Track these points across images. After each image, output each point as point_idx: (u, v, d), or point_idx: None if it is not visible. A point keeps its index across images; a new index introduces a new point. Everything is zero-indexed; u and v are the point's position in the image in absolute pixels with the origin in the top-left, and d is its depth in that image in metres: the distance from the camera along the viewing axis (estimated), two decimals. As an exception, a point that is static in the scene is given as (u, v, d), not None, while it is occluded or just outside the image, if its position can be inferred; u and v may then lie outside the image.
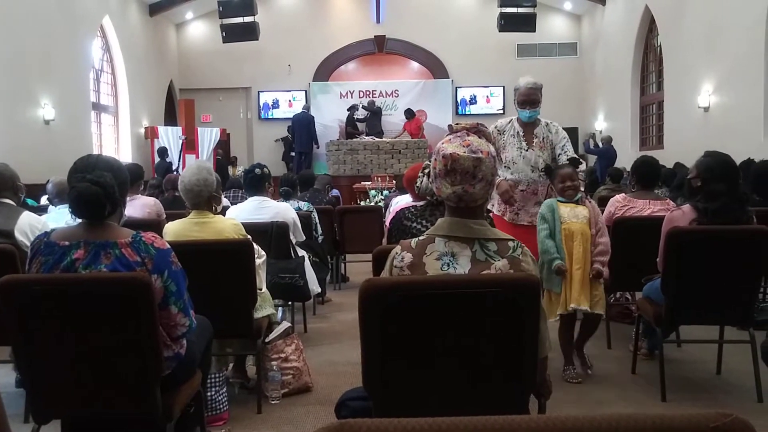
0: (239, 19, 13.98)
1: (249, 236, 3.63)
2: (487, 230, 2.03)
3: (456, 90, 16.97)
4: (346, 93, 16.96)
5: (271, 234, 4.57)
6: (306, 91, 16.92)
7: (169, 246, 2.41)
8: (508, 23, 14.03)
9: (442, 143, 2.04)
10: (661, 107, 12.28)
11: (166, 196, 6.93)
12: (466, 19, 16.48)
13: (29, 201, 6.72)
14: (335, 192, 9.65)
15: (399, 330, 1.91)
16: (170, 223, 3.63)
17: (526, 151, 4.50)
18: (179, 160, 13.39)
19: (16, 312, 2.29)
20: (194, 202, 3.51)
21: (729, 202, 3.45)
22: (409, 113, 15.90)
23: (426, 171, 3.27)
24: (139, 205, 5.37)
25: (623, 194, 4.66)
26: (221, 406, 3.37)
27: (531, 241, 3.72)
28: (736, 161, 3.78)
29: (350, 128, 16.19)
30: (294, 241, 4.90)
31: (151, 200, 5.68)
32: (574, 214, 3.87)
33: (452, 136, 2.05)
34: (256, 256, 3.58)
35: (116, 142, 13.68)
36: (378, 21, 16.66)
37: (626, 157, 11.86)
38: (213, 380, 3.33)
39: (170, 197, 6.71)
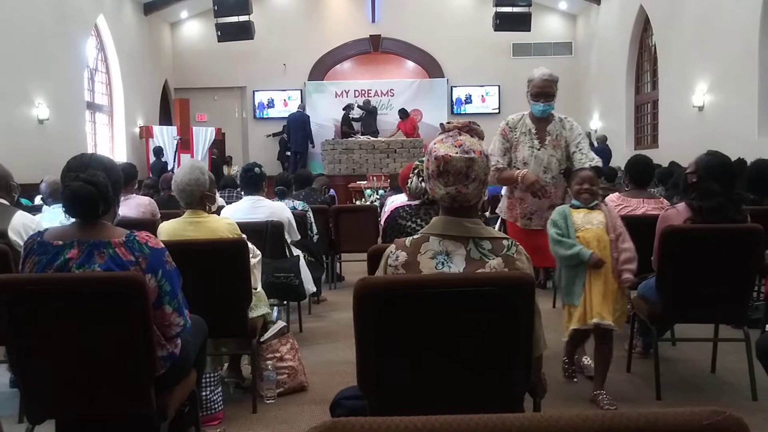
0: (234, 19, 13.95)
1: (244, 235, 3.63)
2: (481, 229, 2.02)
3: (451, 89, 16.98)
4: (342, 92, 16.95)
5: (266, 233, 4.56)
6: (301, 91, 16.91)
7: (163, 245, 2.40)
8: (503, 22, 14.05)
9: (434, 143, 2.04)
10: (656, 106, 12.31)
11: (162, 195, 6.92)
12: (461, 19, 16.49)
13: (23, 201, 6.69)
14: (331, 192, 9.65)
15: (394, 329, 1.91)
16: (164, 222, 3.62)
17: (539, 150, 4.14)
18: (174, 160, 13.36)
19: (9, 312, 2.28)
20: (187, 201, 3.50)
21: (723, 202, 3.46)
22: (403, 113, 15.90)
23: (416, 171, 3.27)
24: (133, 205, 5.36)
25: (617, 193, 4.67)
26: (216, 406, 3.37)
27: (546, 247, 3.66)
28: (732, 160, 3.79)
29: (346, 127, 16.18)
30: (289, 241, 4.90)
31: (146, 200, 5.67)
32: (587, 221, 3.57)
33: (444, 135, 2.04)
34: (251, 255, 3.58)
35: (111, 142, 13.65)
36: (373, 20, 16.65)
37: (621, 157, 11.88)
38: (208, 380, 3.33)
39: (166, 196, 6.69)
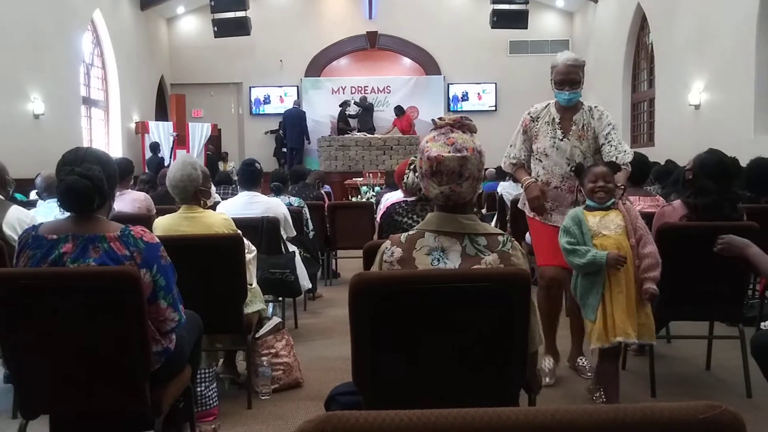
0: (231, 14, 13.92)
1: (239, 231, 3.62)
2: (476, 225, 2.02)
3: (448, 86, 16.95)
4: (338, 89, 16.92)
5: (261, 229, 4.55)
6: (298, 87, 16.87)
7: (158, 240, 2.40)
8: (500, 20, 14.05)
9: (426, 142, 2.02)
10: (653, 104, 12.32)
11: (159, 190, 6.90)
12: (458, 16, 16.47)
13: (18, 196, 6.67)
14: (327, 188, 9.62)
15: (389, 325, 1.90)
16: (160, 217, 3.61)
17: (561, 141, 3.78)
18: (171, 156, 13.34)
19: (3, 306, 2.27)
20: (181, 197, 3.50)
21: (718, 200, 3.46)
22: (399, 110, 15.88)
23: (412, 167, 3.26)
24: (129, 200, 5.35)
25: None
26: (211, 402, 3.36)
27: None
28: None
29: (342, 124, 16.17)
30: (285, 237, 4.89)
31: (141, 195, 5.66)
32: (604, 225, 3.18)
33: (436, 133, 2.03)
34: (246, 251, 3.57)
35: (106, 137, 13.60)
36: (370, 17, 16.62)
37: (617, 154, 11.86)
38: (203, 375, 3.32)
39: (163, 192, 6.67)
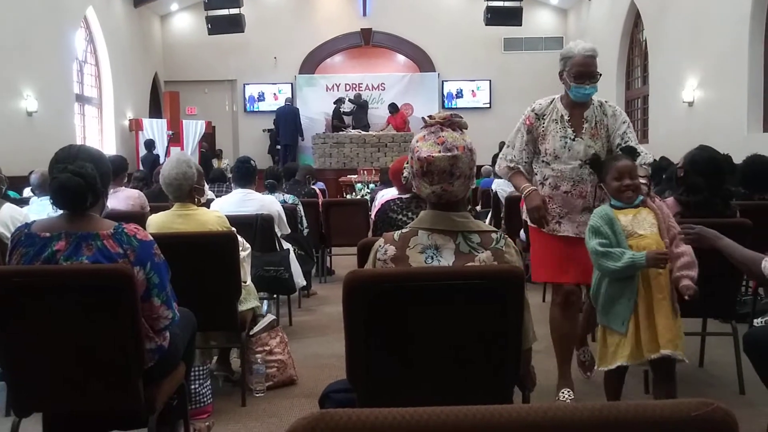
0: (225, 11, 13.88)
1: (233, 229, 3.61)
2: (470, 222, 2.02)
3: (442, 83, 16.95)
4: (333, 86, 16.89)
5: (255, 227, 4.55)
6: (292, 84, 16.84)
7: (151, 238, 2.39)
8: (494, 17, 14.05)
9: (417, 141, 2.02)
10: (646, 102, 12.34)
11: (153, 188, 6.88)
12: (452, 13, 16.46)
13: (11, 193, 6.65)
14: (320, 185, 9.59)
15: (383, 322, 1.91)
16: (153, 215, 3.61)
17: (573, 140, 3.38)
18: (165, 154, 13.31)
19: (-5, 304, 2.26)
20: (176, 195, 3.49)
21: (709, 197, 3.47)
22: (393, 108, 15.86)
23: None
24: (122, 197, 5.34)
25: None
26: (205, 399, 3.36)
27: (581, 258, 3.08)
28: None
29: (336, 121, 16.15)
30: (279, 234, 4.88)
31: (135, 192, 5.64)
32: (638, 224, 2.81)
33: (426, 132, 2.02)
34: (240, 248, 3.57)
35: (100, 135, 13.55)
36: (364, 14, 16.60)
37: (611, 152, 11.90)
38: (197, 373, 3.32)
39: (157, 189, 6.65)
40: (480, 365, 1.97)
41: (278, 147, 15.72)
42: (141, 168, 11.79)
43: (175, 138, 13.94)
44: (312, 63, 16.97)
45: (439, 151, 1.94)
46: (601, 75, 3.39)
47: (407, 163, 3.36)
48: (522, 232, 6.22)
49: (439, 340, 1.94)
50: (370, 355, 1.93)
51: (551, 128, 3.43)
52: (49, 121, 10.63)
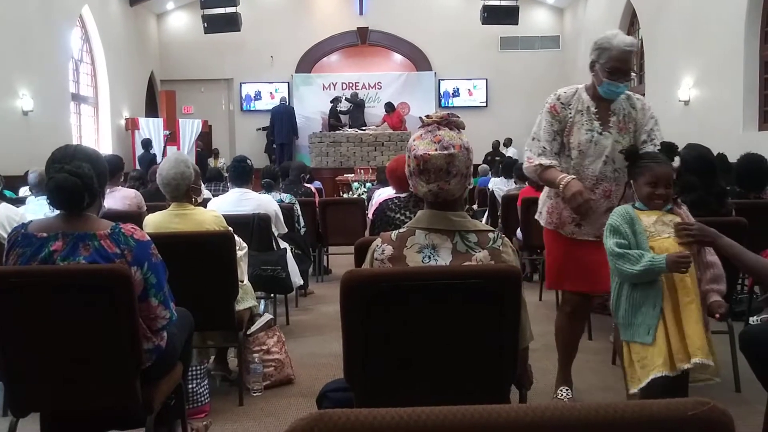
0: (221, 10, 13.88)
1: (230, 228, 3.61)
2: (467, 222, 2.03)
3: (439, 82, 16.97)
4: (329, 85, 16.89)
5: (252, 226, 4.55)
6: (288, 83, 16.84)
7: (149, 238, 2.39)
8: (491, 16, 14.08)
9: (414, 140, 2.03)
10: (643, 100, 12.35)
11: (149, 187, 6.87)
12: (449, 12, 16.47)
13: (7, 192, 6.64)
14: (317, 184, 9.58)
15: (380, 322, 1.91)
16: (150, 215, 3.60)
17: (600, 134, 3.12)
18: (162, 153, 13.29)
19: (-7, 304, 2.26)
20: (173, 195, 3.49)
21: (704, 195, 3.47)
22: (389, 107, 15.86)
23: None
24: (119, 197, 5.33)
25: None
26: (202, 399, 3.36)
27: (600, 265, 2.87)
28: (715, 154, 3.80)
29: (333, 120, 16.15)
30: (276, 233, 4.88)
31: (132, 192, 5.64)
32: (661, 227, 2.62)
33: (423, 131, 2.03)
34: (237, 248, 3.56)
35: (96, 134, 13.54)
36: (361, 12, 16.60)
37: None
38: (194, 373, 3.32)
39: (153, 189, 6.64)
40: (477, 364, 1.98)
41: (275, 146, 15.71)
42: (138, 167, 11.77)
43: (172, 137, 13.93)
44: (308, 62, 16.96)
45: (436, 150, 1.95)
46: (635, 74, 3.18)
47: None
48: (519, 231, 6.24)
49: (436, 340, 1.95)
50: (368, 355, 1.94)
51: (577, 120, 3.15)
52: (45, 120, 10.61)
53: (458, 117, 2.06)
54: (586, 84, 3.23)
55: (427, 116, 2.06)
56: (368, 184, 11.32)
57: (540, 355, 3.97)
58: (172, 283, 2.49)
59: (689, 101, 10.10)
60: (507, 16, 14.12)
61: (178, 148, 13.72)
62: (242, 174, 4.90)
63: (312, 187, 8.08)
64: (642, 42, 12.22)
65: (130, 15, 14.84)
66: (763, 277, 2.64)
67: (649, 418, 0.81)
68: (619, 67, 3.05)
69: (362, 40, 16.85)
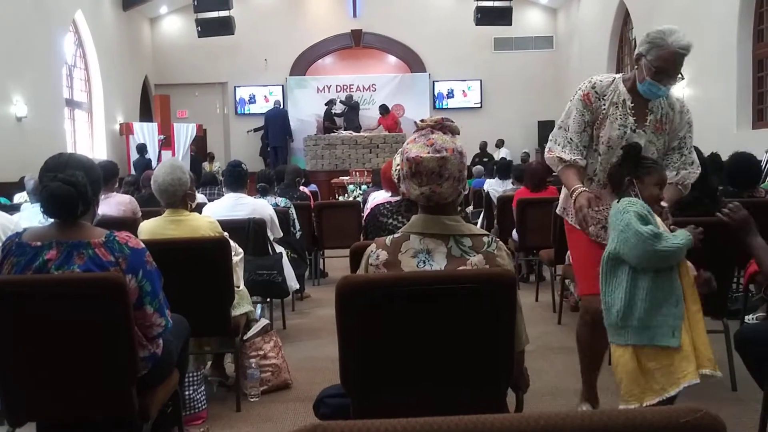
0: (214, 14, 13.88)
1: (226, 234, 3.61)
2: (461, 226, 2.03)
3: (433, 84, 16.99)
4: (323, 87, 16.90)
5: (248, 231, 4.54)
6: (283, 86, 16.84)
7: (143, 245, 2.39)
8: (484, 17, 14.11)
9: (407, 143, 2.05)
10: (636, 100, 12.39)
11: (143, 193, 6.86)
12: (442, 13, 16.50)
13: (1, 199, 6.63)
14: (312, 187, 9.58)
15: (376, 328, 1.91)
16: (145, 221, 3.60)
17: (633, 131, 2.90)
18: (157, 158, 13.28)
19: (-13, 314, 2.25)
20: (170, 201, 3.48)
21: (698, 195, 3.48)
22: (384, 109, 15.86)
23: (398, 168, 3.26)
24: (113, 203, 5.32)
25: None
26: (199, 405, 3.36)
27: None
28: (708, 153, 3.81)
29: (328, 123, 16.15)
30: (272, 238, 4.88)
31: (126, 198, 5.63)
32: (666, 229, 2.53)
33: (417, 134, 2.04)
34: (233, 253, 3.56)
35: (90, 139, 13.51)
36: (354, 15, 16.62)
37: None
38: (191, 379, 3.31)
39: (147, 194, 6.64)
40: (473, 368, 1.98)
41: (269, 149, 15.72)
42: (133, 172, 11.76)
43: (167, 142, 13.91)
44: (303, 65, 16.97)
45: (428, 153, 1.96)
46: (683, 78, 2.91)
47: (397, 165, 3.37)
48: (514, 232, 6.25)
49: (432, 344, 1.95)
50: (364, 361, 1.94)
51: (611, 113, 2.93)
52: (39, 126, 10.59)
53: (453, 122, 2.07)
54: (624, 74, 3.02)
55: (422, 120, 2.08)
56: (363, 187, 11.32)
57: (536, 357, 3.98)
58: (168, 290, 2.49)
59: (683, 100, 10.12)
60: (500, 16, 14.16)
61: (173, 153, 13.71)
62: (237, 179, 4.91)
63: (307, 190, 8.07)
64: (635, 41, 12.26)
65: (123, 20, 14.82)
66: None
67: (641, 426, 0.82)
68: (666, 69, 2.82)
69: (356, 43, 16.87)
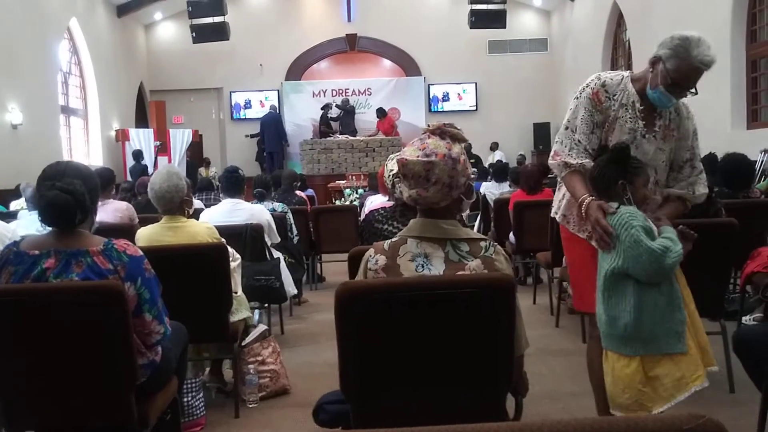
0: (209, 20, 13.89)
1: (223, 240, 3.61)
2: (458, 230, 2.04)
3: (428, 87, 17.01)
4: (319, 92, 16.91)
5: (245, 236, 4.54)
6: (278, 91, 16.84)
7: (141, 253, 2.38)
8: (478, 20, 14.13)
9: (405, 146, 2.08)
10: (631, 101, 12.41)
11: (140, 199, 6.85)
12: (437, 16, 16.53)
13: (-2, 207, 6.61)
14: (310, 191, 9.57)
15: (375, 333, 1.91)
16: (142, 228, 3.59)
17: (644, 137, 2.70)
18: (154, 164, 13.27)
19: (-15, 323, 2.25)
20: (167, 208, 3.48)
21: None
22: (381, 112, 15.88)
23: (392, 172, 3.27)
24: (110, 210, 5.30)
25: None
26: (198, 412, 3.35)
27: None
28: (702, 153, 3.81)
29: (324, 127, 16.15)
30: (269, 243, 4.88)
31: (123, 205, 5.61)
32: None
33: (417, 138, 2.07)
34: (230, 259, 3.56)
35: (86, 146, 13.50)
36: (349, 19, 16.64)
37: (598, 152, 11.98)
38: (189, 385, 3.31)
39: (144, 201, 6.63)
40: (473, 373, 1.98)
41: (265, 154, 15.71)
42: (129, 179, 11.74)
43: (163, 147, 13.91)
44: (298, 69, 16.98)
45: (417, 156, 1.97)
46: (696, 93, 2.70)
47: (390, 170, 3.38)
48: (511, 235, 6.25)
49: (431, 350, 1.95)
50: (364, 367, 1.94)
51: (620, 115, 2.71)
52: (35, 133, 10.58)
53: (457, 129, 2.06)
54: (632, 73, 2.80)
55: (428, 125, 2.09)
56: (360, 191, 11.33)
57: (534, 360, 3.98)
58: (166, 296, 2.49)
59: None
60: (495, 19, 14.19)
61: (170, 159, 13.70)
62: (234, 184, 4.90)
63: (304, 195, 8.07)
64: (629, 43, 12.29)
65: (118, 26, 14.82)
66: None
67: (643, 433, 0.82)
68: (681, 81, 2.62)
69: (351, 47, 16.89)
